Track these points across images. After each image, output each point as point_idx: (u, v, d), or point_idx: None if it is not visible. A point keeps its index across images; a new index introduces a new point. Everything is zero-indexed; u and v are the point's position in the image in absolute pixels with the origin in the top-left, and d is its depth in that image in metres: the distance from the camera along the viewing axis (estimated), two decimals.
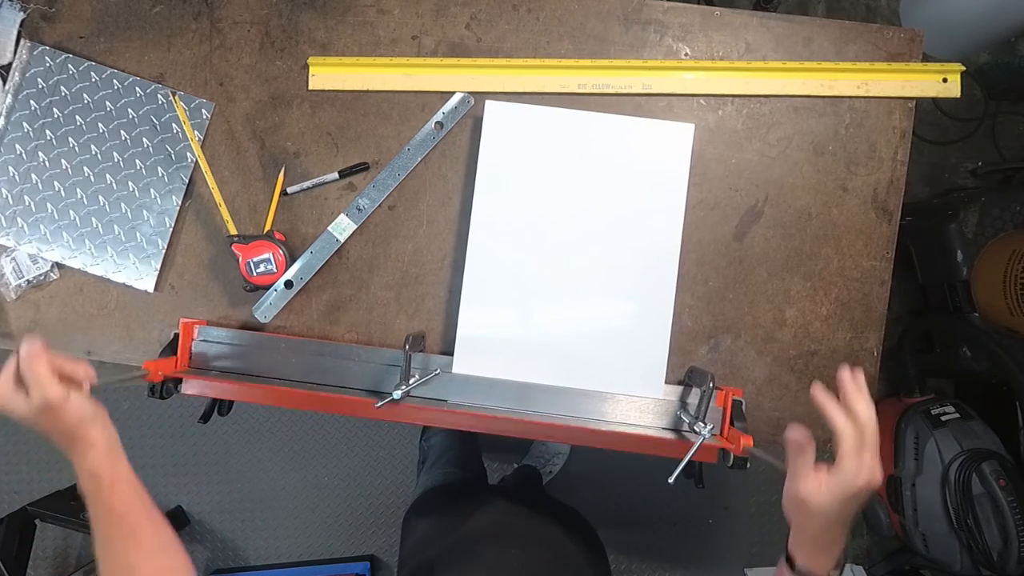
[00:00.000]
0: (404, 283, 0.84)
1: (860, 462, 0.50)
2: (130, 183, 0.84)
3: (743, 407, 0.77)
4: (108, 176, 0.84)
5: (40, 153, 0.84)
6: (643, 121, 0.79)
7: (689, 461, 0.67)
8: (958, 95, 0.81)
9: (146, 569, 0.56)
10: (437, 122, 0.82)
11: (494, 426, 0.74)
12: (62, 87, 0.84)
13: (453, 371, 0.77)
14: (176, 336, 0.80)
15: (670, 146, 0.78)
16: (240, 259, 0.78)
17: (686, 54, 0.83)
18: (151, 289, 0.84)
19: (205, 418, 0.85)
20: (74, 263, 0.84)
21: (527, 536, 0.82)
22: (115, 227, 0.84)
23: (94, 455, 0.55)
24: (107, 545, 0.56)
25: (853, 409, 0.50)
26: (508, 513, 0.89)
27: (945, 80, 0.81)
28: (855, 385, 0.51)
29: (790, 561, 0.55)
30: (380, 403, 0.72)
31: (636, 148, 0.79)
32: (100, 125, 0.84)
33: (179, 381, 0.76)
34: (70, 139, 0.84)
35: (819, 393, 0.52)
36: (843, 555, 0.58)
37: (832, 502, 0.50)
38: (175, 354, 0.78)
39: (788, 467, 0.53)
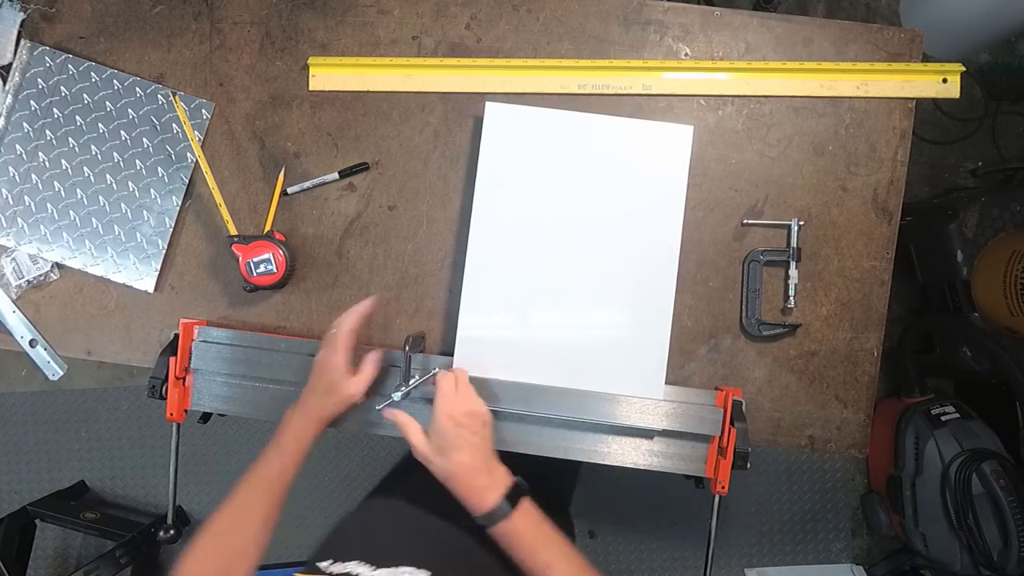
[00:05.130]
0: (404, 283, 0.84)
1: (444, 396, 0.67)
2: (130, 183, 0.84)
3: (743, 407, 0.77)
4: (108, 176, 0.84)
5: (40, 153, 0.84)
6: (642, 123, 0.79)
7: None
8: (958, 95, 0.81)
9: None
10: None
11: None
12: (62, 87, 0.84)
13: None
14: (176, 337, 0.80)
15: (669, 148, 0.78)
16: (240, 259, 0.78)
17: (686, 54, 0.83)
18: (151, 289, 0.84)
19: (205, 418, 0.85)
20: (74, 263, 0.84)
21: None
22: (115, 227, 0.84)
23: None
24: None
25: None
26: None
27: (945, 80, 0.81)
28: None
29: None
30: (380, 405, 0.72)
31: (635, 150, 0.78)
32: (100, 125, 0.84)
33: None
34: (70, 139, 0.84)
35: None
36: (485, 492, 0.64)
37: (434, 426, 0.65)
38: (175, 355, 0.78)
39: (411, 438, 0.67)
